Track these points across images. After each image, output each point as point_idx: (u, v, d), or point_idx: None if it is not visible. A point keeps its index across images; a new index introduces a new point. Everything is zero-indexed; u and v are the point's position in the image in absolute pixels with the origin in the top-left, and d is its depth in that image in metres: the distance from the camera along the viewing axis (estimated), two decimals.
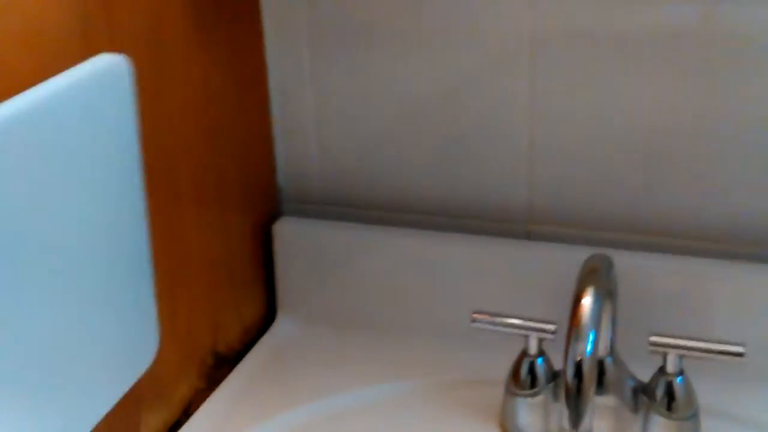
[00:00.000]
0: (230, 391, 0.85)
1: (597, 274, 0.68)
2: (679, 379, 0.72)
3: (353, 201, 0.92)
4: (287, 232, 0.92)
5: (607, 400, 0.74)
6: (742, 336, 0.76)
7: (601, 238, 0.85)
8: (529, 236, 0.87)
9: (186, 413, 0.82)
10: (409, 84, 0.87)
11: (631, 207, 0.84)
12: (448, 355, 0.86)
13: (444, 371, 0.85)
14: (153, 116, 0.74)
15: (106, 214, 0.61)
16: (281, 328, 0.93)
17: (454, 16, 0.83)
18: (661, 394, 0.72)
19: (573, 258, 0.80)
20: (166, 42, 0.75)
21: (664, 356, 0.72)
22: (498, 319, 0.76)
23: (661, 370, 0.72)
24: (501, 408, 0.78)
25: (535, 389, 0.75)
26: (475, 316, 0.77)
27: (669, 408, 0.72)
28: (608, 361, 0.74)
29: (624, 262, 0.78)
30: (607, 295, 0.69)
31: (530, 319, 0.75)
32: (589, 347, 0.64)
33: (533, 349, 0.75)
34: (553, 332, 0.74)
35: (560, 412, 0.67)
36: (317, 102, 0.90)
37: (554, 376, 0.75)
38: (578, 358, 0.64)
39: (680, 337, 0.71)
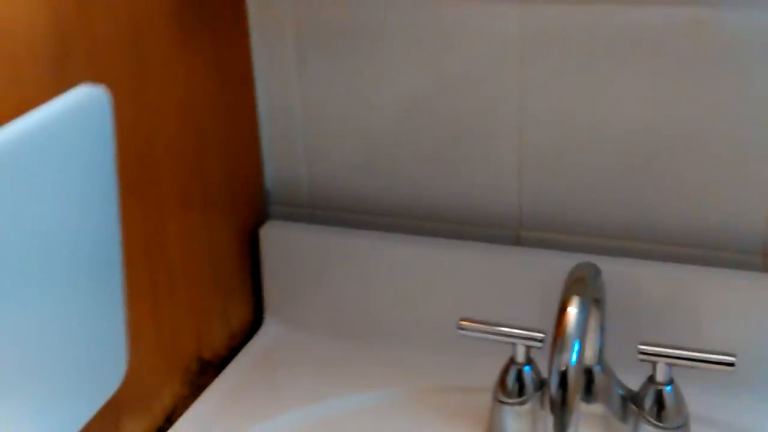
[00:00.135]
0: (214, 397, 0.84)
1: (583, 283, 0.66)
2: (668, 388, 0.70)
3: (341, 205, 0.91)
4: (274, 236, 0.91)
5: (595, 408, 0.73)
6: (732, 342, 0.76)
7: (592, 244, 0.83)
8: (519, 242, 0.86)
9: (168, 421, 0.81)
10: (397, 86, 0.85)
11: (621, 213, 0.82)
12: (436, 361, 0.85)
13: (431, 378, 0.83)
14: (135, 118, 0.73)
15: (83, 247, 0.61)
16: (268, 333, 0.92)
17: (442, 19, 0.82)
18: (650, 403, 0.70)
19: (563, 264, 0.79)
20: (147, 43, 0.74)
21: (654, 365, 0.70)
22: (485, 327, 0.74)
23: (651, 379, 0.71)
24: (489, 416, 0.77)
25: (523, 397, 0.74)
26: (463, 323, 0.75)
27: (659, 417, 0.70)
28: (597, 370, 0.72)
29: (614, 269, 0.77)
30: (593, 304, 0.67)
31: (518, 327, 0.74)
32: (573, 357, 0.63)
33: (521, 357, 0.74)
34: (540, 340, 0.73)
35: (545, 422, 0.65)
36: (305, 104, 0.89)
37: (542, 384, 0.74)
38: (563, 368, 0.63)
39: (670, 347, 0.70)
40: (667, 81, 0.77)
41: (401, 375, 0.84)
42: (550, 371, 0.64)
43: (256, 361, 0.89)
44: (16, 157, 0.54)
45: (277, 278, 0.91)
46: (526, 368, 0.74)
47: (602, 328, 0.71)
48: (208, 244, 0.86)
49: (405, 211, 0.89)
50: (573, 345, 0.63)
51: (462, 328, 0.75)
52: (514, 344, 0.74)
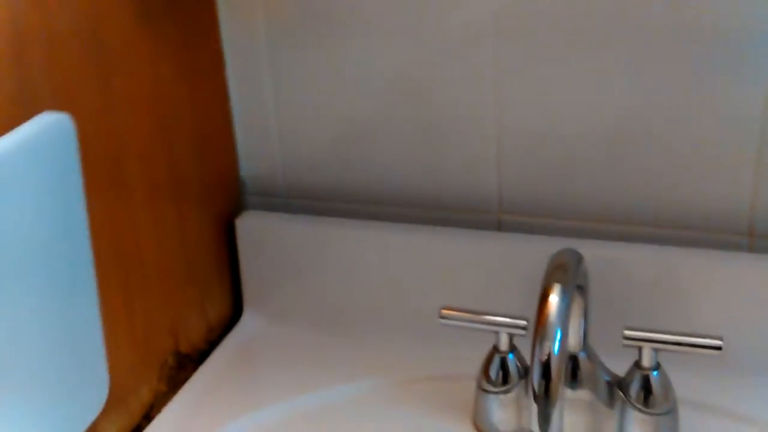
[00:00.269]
0: (193, 393, 0.82)
1: (564, 270, 0.65)
2: (655, 373, 0.69)
3: (319, 193, 0.89)
4: (251, 227, 0.89)
5: (581, 395, 0.72)
6: (720, 325, 0.74)
7: (575, 228, 0.82)
8: (500, 226, 0.84)
9: (147, 418, 0.79)
10: (372, 72, 0.83)
11: (604, 195, 0.81)
12: (419, 350, 0.83)
13: (414, 367, 0.82)
14: (99, 112, 0.71)
15: (56, 271, 0.61)
16: (247, 325, 0.90)
17: (417, 1, 0.79)
18: (636, 388, 0.69)
19: (546, 250, 0.78)
20: (109, 35, 0.72)
21: (640, 350, 0.69)
22: (467, 316, 0.73)
23: (637, 364, 0.69)
24: (473, 405, 0.75)
25: (507, 386, 0.72)
26: (444, 312, 0.74)
27: (646, 403, 0.69)
28: (581, 356, 0.71)
29: (597, 252, 0.75)
30: (576, 291, 0.66)
31: (501, 315, 0.72)
32: (556, 346, 0.61)
33: (504, 345, 0.72)
34: (524, 328, 0.71)
35: (530, 411, 0.64)
36: (278, 92, 0.87)
37: (526, 371, 0.72)
38: (545, 358, 0.61)
39: (655, 331, 0.68)
40: (650, 61, 0.76)
41: (384, 365, 0.82)
42: (531, 362, 0.62)
43: (236, 354, 0.87)
44: None
45: (255, 269, 0.90)
46: (510, 356, 0.73)
47: (586, 314, 0.70)
48: (182, 236, 0.84)
49: (384, 198, 0.87)
50: (555, 334, 0.62)
51: (444, 317, 0.74)
52: (497, 332, 0.72)
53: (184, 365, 0.85)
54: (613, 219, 0.81)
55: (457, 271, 0.83)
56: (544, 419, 0.62)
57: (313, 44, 0.84)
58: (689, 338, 0.67)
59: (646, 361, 0.69)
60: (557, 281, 0.64)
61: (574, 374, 0.71)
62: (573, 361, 0.70)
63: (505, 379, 0.73)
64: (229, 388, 0.82)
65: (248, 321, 0.91)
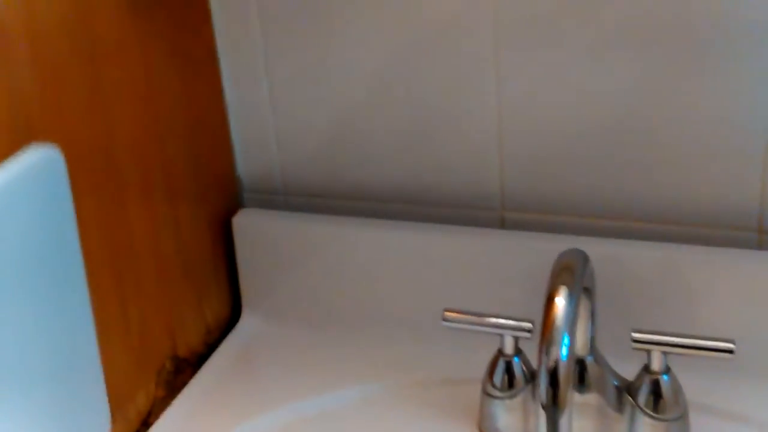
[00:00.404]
0: (192, 398, 0.81)
1: (570, 272, 0.63)
2: (665, 377, 0.67)
3: (318, 190, 0.87)
4: (248, 225, 0.87)
5: (589, 398, 0.70)
6: (729, 324, 0.73)
7: (579, 224, 0.80)
8: (503, 224, 0.82)
9: (145, 425, 0.78)
10: (371, 64, 0.81)
11: (609, 191, 0.78)
12: (422, 352, 0.81)
13: (418, 370, 0.80)
14: (89, 111, 0.69)
15: (49, 310, 0.61)
16: (246, 326, 0.88)
17: None
18: (646, 393, 0.67)
19: (550, 248, 0.76)
20: (97, 30, 0.70)
21: (649, 354, 0.67)
22: (471, 318, 0.71)
23: (646, 368, 0.67)
24: (478, 409, 0.73)
25: (513, 390, 0.71)
26: (447, 314, 0.72)
27: (656, 408, 0.67)
28: (588, 360, 0.69)
29: (602, 251, 0.73)
30: (582, 293, 0.64)
31: (505, 318, 0.70)
32: (564, 351, 0.59)
33: (509, 348, 0.70)
34: (529, 331, 0.69)
35: (537, 417, 0.62)
36: (273, 84, 0.85)
37: (533, 375, 0.70)
38: (552, 365, 0.59)
39: (665, 334, 0.66)
40: (653, 55, 0.73)
41: (387, 368, 0.81)
42: (539, 367, 0.60)
43: (235, 356, 0.85)
44: None
45: (253, 269, 0.88)
46: (515, 359, 0.71)
47: (593, 317, 0.68)
48: (178, 236, 0.82)
49: (384, 195, 0.85)
50: (562, 339, 0.60)
51: (446, 320, 0.72)
52: (501, 335, 0.70)
53: (182, 369, 0.83)
54: (618, 216, 0.79)
55: (459, 269, 0.81)
56: (553, 427, 0.60)
57: (309, 37, 0.82)
58: (700, 341, 0.65)
59: (656, 365, 0.67)
60: (563, 284, 0.62)
61: (581, 379, 0.69)
62: (580, 365, 0.69)
63: (511, 383, 0.71)
64: (228, 393, 0.81)
65: (247, 322, 0.89)
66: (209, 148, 0.86)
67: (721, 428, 0.71)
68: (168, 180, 0.80)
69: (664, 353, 0.66)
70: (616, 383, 0.69)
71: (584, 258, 0.65)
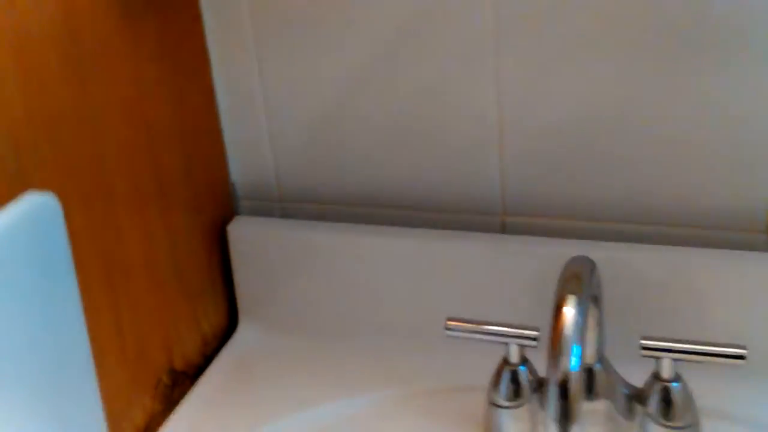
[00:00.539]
0: (190, 411, 0.79)
1: (577, 280, 0.61)
2: (675, 384, 0.65)
3: (314, 196, 0.85)
4: (244, 233, 0.85)
5: (598, 406, 0.68)
6: (739, 328, 0.71)
7: (583, 228, 0.78)
8: (504, 229, 0.80)
9: None
10: (367, 68, 0.79)
11: (612, 193, 0.77)
12: (425, 360, 0.80)
13: (421, 379, 0.79)
14: (77, 117, 0.68)
15: (51, 354, 0.61)
16: (243, 337, 0.87)
17: None
18: (656, 401, 0.66)
19: (553, 252, 0.75)
20: (84, 33, 0.68)
21: (658, 361, 0.65)
22: (474, 327, 0.69)
23: (656, 375, 0.66)
24: (484, 419, 0.72)
25: (519, 400, 0.69)
26: (450, 323, 0.70)
27: (666, 416, 0.65)
28: (597, 368, 0.67)
29: (608, 255, 0.72)
30: (591, 302, 0.62)
31: (510, 326, 0.68)
32: (574, 362, 0.58)
33: (515, 357, 0.69)
34: (534, 339, 0.67)
35: (546, 426, 0.60)
36: (267, 90, 0.83)
37: (539, 384, 0.69)
38: (561, 376, 0.57)
39: (674, 341, 0.64)
40: (656, 57, 0.72)
41: (387, 378, 0.79)
42: (548, 379, 0.58)
43: (233, 368, 0.84)
44: None
45: (249, 277, 0.86)
46: (521, 368, 0.69)
47: (601, 325, 0.66)
48: (172, 246, 0.80)
49: (382, 200, 0.83)
50: (571, 349, 0.58)
51: (450, 329, 0.70)
52: (506, 344, 0.69)
53: (179, 382, 0.81)
54: (622, 218, 0.77)
55: (460, 276, 0.80)
56: None
57: (303, 41, 0.80)
58: (711, 348, 0.64)
59: (666, 373, 0.65)
60: (571, 292, 0.60)
61: (589, 387, 0.67)
62: (588, 373, 0.67)
63: (517, 392, 0.69)
64: (227, 405, 0.79)
65: (244, 332, 0.87)
66: (202, 155, 0.84)
67: None
68: (160, 188, 0.78)
69: (674, 360, 0.65)
70: (625, 391, 0.67)
71: (591, 265, 0.63)
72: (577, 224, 0.78)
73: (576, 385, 0.57)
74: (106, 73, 0.70)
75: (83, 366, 0.64)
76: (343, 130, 0.82)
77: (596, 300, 0.64)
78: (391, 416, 0.76)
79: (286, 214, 0.87)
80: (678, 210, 0.76)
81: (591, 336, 0.65)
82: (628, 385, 0.68)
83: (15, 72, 0.62)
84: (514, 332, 0.68)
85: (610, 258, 0.72)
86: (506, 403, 0.69)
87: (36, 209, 0.59)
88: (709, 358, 0.64)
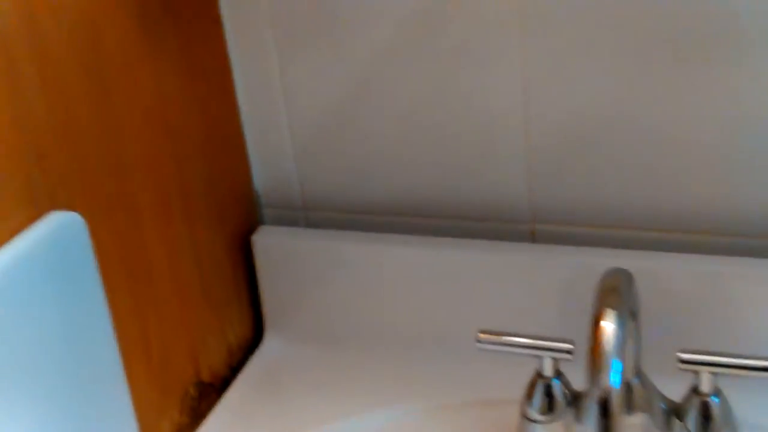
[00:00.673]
0: (218, 424, 0.78)
1: (617, 293, 0.60)
2: (714, 398, 0.64)
3: (339, 204, 0.84)
4: (268, 243, 0.84)
5: (636, 421, 0.67)
6: None
7: (611, 236, 0.77)
8: (533, 237, 0.79)
9: None
10: (391, 72, 0.78)
11: (643, 201, 0.76)
12: (452, 373, 0.79)
13: (449, 392, 0.77)
14: (100, 129, 0.67)
15: (83, 369, 0.62)
16: (270, 347, 0.86)
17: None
18: (695, 416, 0.64)
19: (584, 261, 0.74)
20: (106, 45, 0.67)
21: (697, 374, 0.64)
22: (507, 339, 0.68)
23: (694, 389, 0.64)
24: None
25: (553, 414, 0.68)
26: (481, 336, 0.69)
27: (705, 431, 0.64)
28: (635, 383, 0.66)
29: (639, 264, 0.70)
30: (630, 317, 0.61)
31: (543, 338, 0.67)
32: (615, 378, 0.57)
33: (548, 370, 0.67)
34: (569, 352, 0.66)
35: None
36: (290, 97, 0.82)
37: (574, 397, 0.67)
38: (602, 393, 0.56)
39: (713, 354, 0.63)
40: (684, 64, 0.70)
41: (416, 390, 0.78)
42: (587, 395, 0.57)
43: (259, 379, 0.83)
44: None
45: (275, 288, 0.85)
46: (555, 381, 0.68)
47: (638, 338, 0.65)
48: (197, 256, 0.79)
49: (408, 209, 0.82)
50: (612, 365, 0.57)
51: (481, 341, 0.69)
52: (540, 357, 0.67)
53: (206, 394, 0.80)
54: (654, 226, 0.76)
55: (488, 286, 0.78)
56: None
57: (326, 46, 0.79)
58: (752, 361, 0.62)
59: (705, 387, 0.64)
60: (610, 306, 0.59)
61: (627, 401, 0.65)
62: (626, 387, 0.66)
63: (551, 406, 0.68)
64: (254, 418, 0.78)
65: (270, 342, 0.86)
66: (225, 163, 0.83)
67: None
68: (184, 199, 0.77)
69: (714, 374, 0.63)
70: (663, 406, 0.66)
71: (629, 277, 0.62)
72: (608, 232, 0.77)
73: (617, 403, 0.56)
74: (127, 82, 0.70)
75: (115, 379, 0.63)
76: (367, 136, 0.81)
77: (634, 313, 0.63)
78: (420, 430, 0.75)
79: (310, 223, 0.86)
80: (712, 218, 0.74)
81: (629, 350, 0.64)
82: (665, 400, 0.66)
83: (38, 84, 0.61)
84: (548, 345, 0.67)
85: (642, 267, 0.71)
86: (540, 417, 0.68)
87: (62, 228, 0.60)
88: (750, 372, 0.63)
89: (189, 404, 0.78)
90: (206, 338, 0.81)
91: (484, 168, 0.79)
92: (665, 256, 0.74)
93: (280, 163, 0.85)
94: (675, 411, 0.66)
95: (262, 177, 0.86)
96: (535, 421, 0.68)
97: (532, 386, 0.68)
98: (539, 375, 0.68)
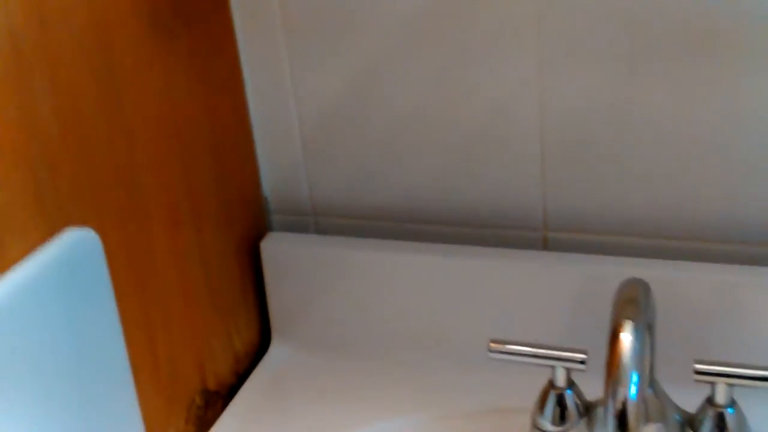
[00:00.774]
0: None
1: (635, 305, 0.59)
2: (730, 410, 0.63)
3: (349, 211, 0.83)
4: (276, 249, 0.83)
5: (650, 431, 0.66)
6: None
7: (624, 244, 0.76)
8: (546, 244, 0.79)
9: None
10: (403, 76, 0.77)
11: (658, 208, 0.75)
12: (464, 381, 0.78)
13: (462, 400, 0.77)
14: (110, 134, 0.66)
15: (95, 381, 0.62)
16: (277, 355, 0.85)
17: (449, 4, 0.73)
18: (710, 427, 0.63)
19: (598, 270, 0.73)
20: (116, 51, 0.66)
21: (712, 386, 0.63)
22: (519, 349, 0.67)
23: (709, 400, 0.64)
24: None
25: (566, 425, 0.67)
26: (493, 345, 0.68)
27: None
28: (649, 393, 0.65)
29: (654, 273, 0.70)
30: (647, 328, 0.60)
31: (556, 348, 0.66)
32: (632, 391, 0.56)
33: (561, 380, 0.67)
34: (582, 362, 0.65)
35: None
36: (300, 104, 0.81)
37: (587, 408, 0.67)
38: (620, 406, 0.56)
39: (729, 365, 0.62)
40: (702, 68, 0.70)
41: (427, 399, 0.77)
42: (604, 407, 0.57)
43: (266, 388, 0.82)
44: (18, 307, 0.55)
45: (282, 294, 0.84)
46: (568, 392, 0.67)
47: (653, 349, 0.64)
48: (204, 262, 0.78)
49: (419, 215, 0.81)
50: (630, 377, 0.56)
51: (493, 351, 0.68)
52: (553, 367, 0.67)
53: (212, 403, 0.79)
54: (669, 235, 0.75)
55: (499, 294, 0.78)
56: None
57: (337, 52, 0.78)
58: None
59: (720, 398, 0.63)
60: (628, 318, 0.58)
61: (641, 413, 0.65)
62: (640, 398, 0.65)
63: (563, 416, 0.67)
64: (261, 427, 0.77)
65: (277, 350, 0.85)
66: (234, 169, 0.82)
67: None
68: (193, 204, 0.77)
69: (729, 385, 0.63)
70: (677, 417, 0.65)
71: (647, 288, 0.61)
72: (622, 240, 0.76)
73: (635, 415, 0.55)
74: (138, 88, 0.69)
75: (126, 392, 0.63)
76: (378, 142, 0.80)
77: (650, 324, 0.62)
78: None
79: (319, 229, 0.85)
80: (727, 226, 0.74)
81: (645, 361, 0.63)
82: (680, 411, 0.66)
83: (49, 91, 0.60)
84: (561, 355, 0.66)
85: (657, 276, 0.70)
86: (552, 428, 0.67)
87: (77, 246, 0.60)
88: (767, 383, 0.62)
89: (195, 413, 0.77)
90: (213, 345, 0.80)
91: (497, 174, 0.78)
92: (680, 264, 0.74)
93: (289, 168, 0.84)
94: (689, 422, 0.65)
95: (271, 182, 0.85)
96: (546, 431, 0.68)
97: (544, 396, 0.68)
98: (552, 385, 0.67)
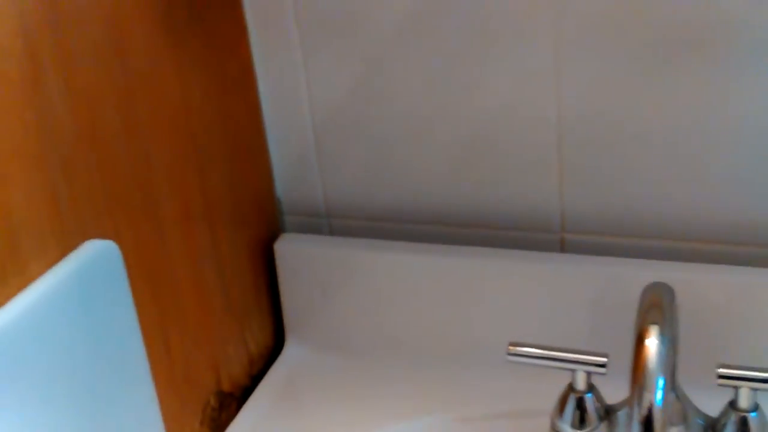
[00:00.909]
0: None
1: (659, 310, 0.59)
2: (753, 414, 0.63)
3: (363, 212, 0.83)
4: (290, 250, 0.83)
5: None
6: None
7: (643, 246, 0.76)
8: (563, 246, 0.78)
9: None
10: (418, 77, 0.76)
11: (676, 210, 0.74)
12: (481, 383, 0.77)
13: (477, 403, 0.76)
14: (125, 135, 0.66)
15: (117, 389, 0.63)
16: (291, 356, 0.84)
17: (464, 4, 0.73)
18: (732, 431, 0.63)
19: (616, 273, 0.73)
20: (131, 51, 0.66)
21: (736, 390, 0.63)
22: (539, 352, 0.67)
23: (732, 404, 0.63)
24: None
25: (585, 429, 0.66)
26: (512, 348, 0.68)
27: None
28: (671, 396, 0.65)
29: (674, 275, 0.69)
30: (672, 333, 0.60)
31: (577, 351, 0.66)
32: (658, 397, 0.56)
33: (581, 384, 0.66)
34: (603, 365, 0.65)
35: None
36: (314, 104, 0.80)
37: (607, 412, 0.66)
38: (646, 413, 0.55)
39: (753, 369, 0.62)
40: (719, 72, 0.69)
41: (443, 401, 0.77)
42: (630, 413, 0.56)
43: (281, 389, 0.81)
44: (38, 319, 0.56)
45: (296, 296, 0.84)
46: (588, 395, 0.67)
47: (676, 353, 0.64)
48: (218, 264, 0.78)
49: (434, 217, 0.81)
50: (656, 383, 0.56)
51: (512, 354, 0.68)
52: (573, 370, 0.66)
53: (226, 404, 0.79)
54: (688, 237, 0.75)
55: (516, 296, 0.77)
56: None
57: (351, 52, 0.77)
58: None
59: (744, 402, 0.63)
60: (654, 323, 0.58)
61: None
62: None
63: (583, 420, 0.67)
64: (275, 429, 0.77)
65: (291, 351, 0.85)
66: (248, 170, 0.82)
67: None
68: (207, 206, 0.76)
69: (753, 389, 0.62)
70: (700, 421, 0.65)
71: (671, 293, 0.61)
72: (640, 242, 0.76)
73: (660, 421, 0.55)
74: (152, 90, 0.68)
75: (146, 399, 0.63)
76: (393, 144, 0.80)
77: (674, 329, 0.62)
78: None
79: (333, 230, 0.84)
80: (745, 229, 0.73)
81: (669, 365, 0.63)
82: (702, 415, 0.65)
83: (65, 94, 0.60)
84: (582, 358, 0.66)
85: (676, 278, 0.69)
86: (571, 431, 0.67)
87: (98, 257, 0.60)
88: None
89: (210, 415, 0.77)
90: (227, 347, 0.79)
91: (514, 175, 0.77)
92: (701, 267, 0.73)
93: (302, 170, 0.83)
94: (712, 426, 0.64)
95: (284, 184, 0.85)
96: None
97: (563, 399, 0.67)
98: (571, 388, 0.67)
